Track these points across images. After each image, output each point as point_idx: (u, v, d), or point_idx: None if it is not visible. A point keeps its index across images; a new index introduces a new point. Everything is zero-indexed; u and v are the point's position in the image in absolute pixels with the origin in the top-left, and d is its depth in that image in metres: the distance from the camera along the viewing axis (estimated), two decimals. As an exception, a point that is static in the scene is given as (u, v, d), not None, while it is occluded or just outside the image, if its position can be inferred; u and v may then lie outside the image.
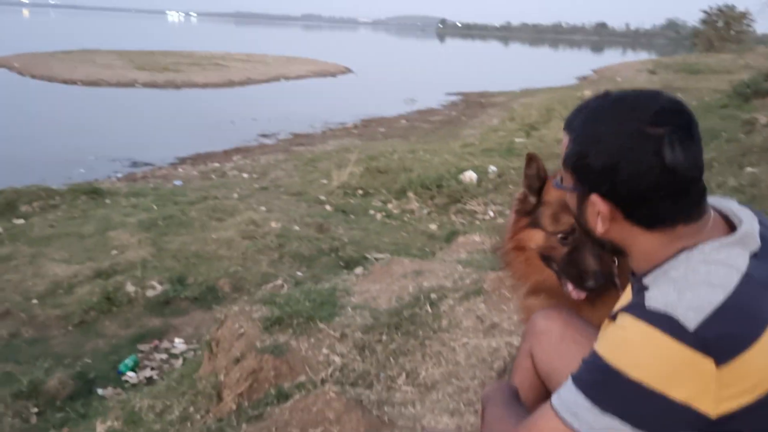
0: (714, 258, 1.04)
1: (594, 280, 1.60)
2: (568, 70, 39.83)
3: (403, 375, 2.49)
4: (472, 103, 23.20)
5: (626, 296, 1.23)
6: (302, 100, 23.60)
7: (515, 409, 1.35)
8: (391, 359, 2.61)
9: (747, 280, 1.00)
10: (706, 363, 0.95)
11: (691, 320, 0.96)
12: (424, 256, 4.93)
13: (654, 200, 1.07)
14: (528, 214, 1.70)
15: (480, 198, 9.28)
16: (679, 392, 0.97)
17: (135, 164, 12.63)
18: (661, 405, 0.98)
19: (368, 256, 6.71)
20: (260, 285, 5.72)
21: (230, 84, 26.32)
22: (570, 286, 1.65)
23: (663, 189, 1.05)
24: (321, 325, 2.82)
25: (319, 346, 2.70)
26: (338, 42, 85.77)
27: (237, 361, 2.66)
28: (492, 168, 10.60)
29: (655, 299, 1.02)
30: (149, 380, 4.33)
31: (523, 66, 48.09)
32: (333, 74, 34.31)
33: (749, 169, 9.30)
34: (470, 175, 10.01)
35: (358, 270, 5.87)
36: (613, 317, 1.11)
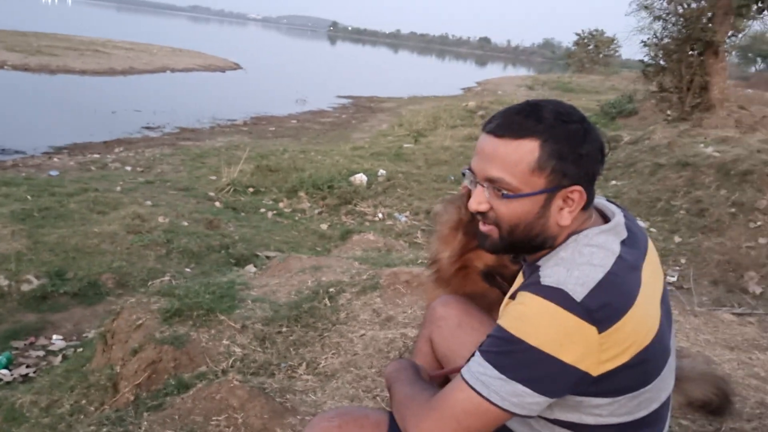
0: (595, 242, 1.23)
1: None
2: (454, 81, 41.33)
3: (304, 365, 2.58)
4: (362, 107, 23.52)
5: (519, 280, 1.41)
6: (189, 94, 22.90)
7: (422, 384, 1.46)
8: (292, 350, 2.69)
9: (620, 261, 1.21)
10: (591, 329, 1.13)
11: (578, 293, 1.14)
12: (317, 252, 5.02)
13: (594, 183, 1.27)
14: (475, 235, 1.79)
15: (370, 200, 9.48)
16: (568, 355, 1.14)
17: (3, 152, 11.73)
18: (555, 367, 1.14)
19: (259, 254, 6.69)
20: (146, 281, 5.57)
21: (111, 72, 24.99)
22: None
23: (599, 173, 1.27)
24: (221, 317, 2.84)
25: (219, 337, 2.73)
26: (227, 37, 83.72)
27: (135, 352, 2.62)
28: (381, 171, 10.86)
29: (548, 277, 1.19)
30: (26, 378, 4.10)
31: (412, 74, 49.24)
32: (222, 69, 33.50)
33: (613, 182, 10.16)
34: (360, 178, 10.20)
35: (249, 268, 5.87)
36: (512, 296, 1.27)
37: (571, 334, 1.14)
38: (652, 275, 1.28)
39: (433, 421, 1.24)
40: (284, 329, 2.84)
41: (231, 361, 2.56)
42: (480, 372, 1.20)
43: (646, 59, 15.30)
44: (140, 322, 2.76)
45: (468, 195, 1.72)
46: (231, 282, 3.29)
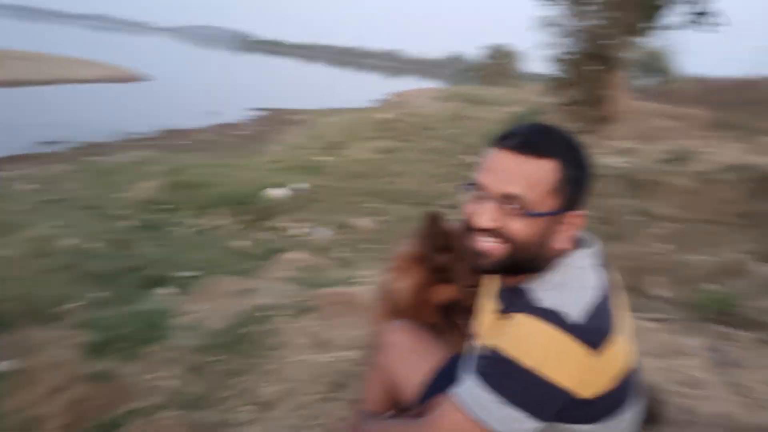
0: (584, 265, 1.26)
1: None
2: (368, 93, 41.61)
3: (242, 394, 2.48)
4: (277, 120, 23.27)
5: (489, 304, 1.40)
6: (92, 107, 21.83)
7: (398, 420, 1.44)
8: (228, 380, 2.58)
9: (605, 285, 1.24)
10: (585, 351, 1.14)
11: (575, 316, 1.17)
12: (242, 273, 4.86)
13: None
14: (438, 270, 1.75)
15: (290, 215, 9.36)
16: (562, 377, 1.15)
17: None
18: (548, 389, 1.15)
19: (178, 274, 6.43)
20: (55, 307, 5.22)
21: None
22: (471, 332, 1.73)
23: None
24: (151, 348, 2.69)
25: (150, 370, 2.58)
26: (132, 47, 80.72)
27: (56, 391, 2.43)
28: (299, 185, 10.76)
29: (544, 300, 1.21)
30: None
31: (325, 86, 49.28)
32: (127, 80, 32.22)
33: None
34: (279, 192, 10.07)
35: (168, 290, 5.62)
36: (504, 318, 1.26)
37: (566, 356, 1.15)
38: (621, 297, 1.32)
39: None
40: (219, 358, 2.72)
41: (164, 394, 2.42)
42: (475, 394, 1.20)
43: (554, 73, 15.97)
44: (61, 358, 2.56)
45: (435, 232, 1.71)
46: (158, 310, 3.13)
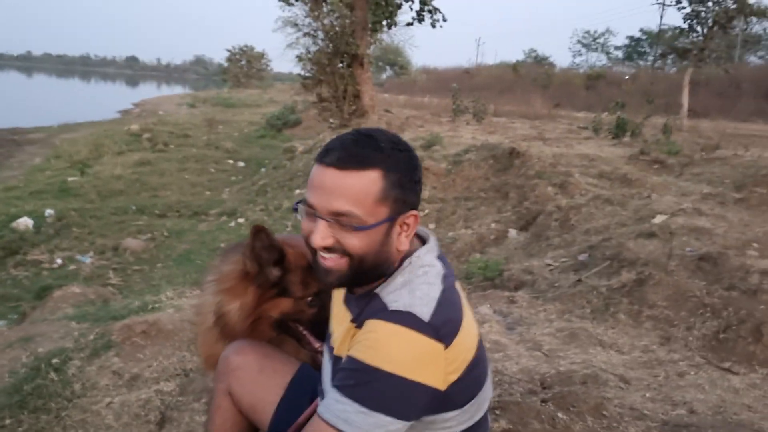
0: (426, 261, 1.31)
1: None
2: (108, 103, 38.51)
3: (51, 455, 2.18)
4: (4, 141, 20.46)
5: (345, 315, 1.40)
6: None
7: None
8: (28, 443, 2.25)
9: (445, 277, 1.30)
10: (439, 347, 1.19)
11: (425, 314, 1.20)
12: (9, 321, 4.21)
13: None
14: (269, 285, 1.68)
15: (42, 245, 8.36)
16: (423, 376, 1.18)
17: None
18: (412, 390, 1.18)
19: None
20: None
21: None
22: (314, 341, 1.70)
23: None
24: None
25: (-76, 453, 2.14)
26: None
27: None
28: (49, 211, 9.67)
29: (394, 302, 1.22)
30: None
31: (56, 99, 44.46)
32: None
33: (298, 191, 10.67)
34: (25, 222, 8.95)
35: None
36: (358, 326, 1.26)
37: (423, 355, 1.18)
38: (458, 285, 1.39)
39: None
40: (8, 421, 2.34)
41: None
42: (339, 410, 1.18)
43: (302, 72, 16.33)
44: None
45: (263, 245, 1.65)
46: None
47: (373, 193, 1.22)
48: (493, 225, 7.42)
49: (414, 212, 1.31)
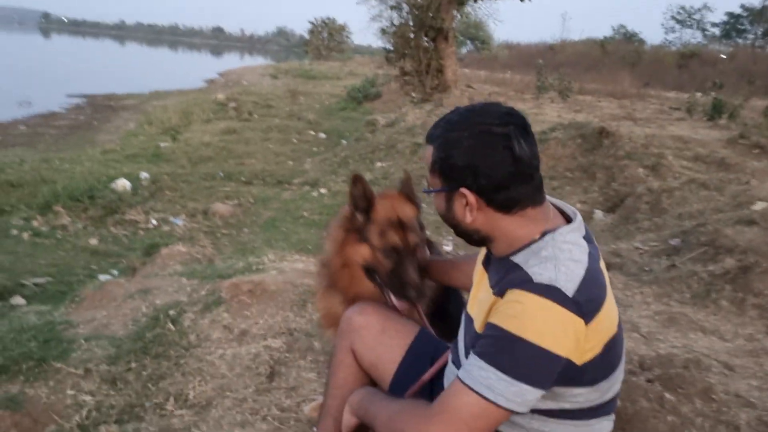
0: (570, 239, 1.33)
1: (415, 291, 1.76)
2: (194, 72, 39.76)
3: (171, 399, 2.34)
4: (101, 107, 21.58)
5: (483, 278, 1.45)
6: None
7: (402, 400, 1.45)
8: (150, 386, 2.42)
9: (590, 256, 1.32)
10: (580, 322, 1.22)
11: (570, 289, 1.23)
12: (122, 271, 4.50)
13: (509, 187, 1.33)
14: (356, 231, 1.82)
15: (138, 206, 8.80)
16: (562, 348, 1.21)
17: None
18: (550, 361, 1.21)
19: (26, 282, 5.85)
20: None
21: None
22: (393, 298, 1.80)
23: (514, 176, 1.33)
24: (57, 365, 2.44)
25: (61, 388, 2.34)
26: None
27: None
28: (144, 174, 10.15)
29: (539, 275, 1.25)
30: None
31: (147, 67, 46.30)
32: None
33: (379, 164, 10.74)
34: (123, 183, 9.43)
35: (17, 300, 5.11)
36: (499, 293, 1.30)
37: (565, 328, 1.22)
38: (603, 265, 1.41)
39: (439, 427, 1.24)
40: (134, 364, 2.53)
41: (84, 413, 2.21)
42: (482, 376, 1.23)
43: (386, 46, 16.34)
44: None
45: (357, 196, 1.80)
46: (49, 322, 2.83)
47: (429, 165, 1.42)
48: (578, 205, 7.26)
49: (464, 190, 1.35)
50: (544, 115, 12.80)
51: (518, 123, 1.35)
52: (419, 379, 1.64)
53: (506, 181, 1.33)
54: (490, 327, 1.28)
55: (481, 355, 1.26)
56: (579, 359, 1.25)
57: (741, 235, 4.83)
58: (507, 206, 1.35)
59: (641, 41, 48.89)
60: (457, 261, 1.93)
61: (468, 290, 1.93)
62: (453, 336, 1.96)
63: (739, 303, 3.34)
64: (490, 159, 1.32)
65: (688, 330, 3.00)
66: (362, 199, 1.82)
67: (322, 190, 9.95)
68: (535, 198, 1.37)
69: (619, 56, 37.88)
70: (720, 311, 3.31)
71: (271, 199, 9.62)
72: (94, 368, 2.47)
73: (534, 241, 1.35)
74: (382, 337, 1.70)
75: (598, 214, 7.17)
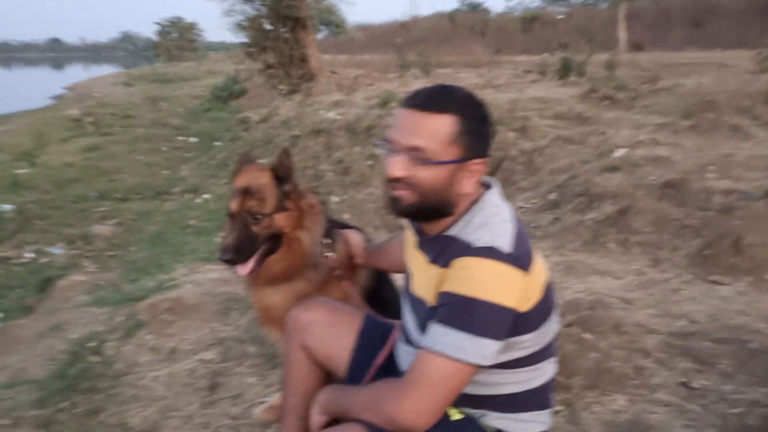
0: (497, 203, 1.47)
1: (223, 252, 1.86)
2: (37, 90, 36.82)
3: (117, 430, 2.27)
4: (-64, 140, 19.52)
5: (420, 259, 1.56)
6: None
7: (368, 386, 1.53)
8: (88, 422, 2.34)
9: (515, 215, 1.46)
10: (519, 274, 1.37)
11: (506, 247, 1.38)
12: (8, 312, 4.16)
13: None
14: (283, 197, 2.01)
15: (7, 242, 8.17)
16: (510, 300, 1.36)
17: None
18: (504, 314, 1.35)
19: None
20: None
21: None
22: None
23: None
24: None
25: (-8, 443, 2.21)
26: None
27: None
28: (6, 206, 9.40)
29: (478, 240, 1.39)
30: None
31: (-19, 90, 42.30)
32: None
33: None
34: (-16, 220, 8.69)
35: None
36: (443, 265, 1.41)
37: (509, 282, 1.36)
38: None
39: (416, 396, 1.34)
40: (64, 404, 2.42)
41: (25, 463, 2.11)
42: (449, 341, 1.34)
43: (244, 40, 16.02)
44: None
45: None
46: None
47: (446, 134, 1.40)
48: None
49: (482, 160, 1.46)
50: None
51: None
52: (373, 363, 1.73)
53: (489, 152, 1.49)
54: (445, 296, 1.39)
55: (442, 322, 1.37)
56: (524, 307, 1.40)
57: (609, 182, 5.31)
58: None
59: (486, 10, 51.17)
60: (384, 245, 2.05)
61: (395, 272, 2.06)
62: (392, 319, 2.08)
63: (623, 243, 3.71)
64: (493, 132, 1.48)
65: (586, 275, 3.31)
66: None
67: (206, 196, 9.69)
68: None
69: (468, 27, 39.44)
70: (609, 253, 3.66)
71: (153, 212, 9.26)
72: (24, 415, 2.35)
73: (464, 213, 1.49)
74: (332, 329, 1.77)
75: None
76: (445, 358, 1.34)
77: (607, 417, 2.01)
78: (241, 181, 1.92)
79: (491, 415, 1.50)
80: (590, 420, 2.01)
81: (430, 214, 1.50)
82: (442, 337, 1.35)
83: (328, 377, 1.80)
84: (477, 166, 1.45)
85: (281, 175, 1.93)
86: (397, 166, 1.43)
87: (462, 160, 1.43)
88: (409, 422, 1.33)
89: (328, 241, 2.04)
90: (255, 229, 1.87)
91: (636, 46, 21.03)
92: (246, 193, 1.88)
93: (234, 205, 1.89)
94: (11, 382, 2.61)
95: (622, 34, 18.96)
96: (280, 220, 1.91)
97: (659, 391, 2.13)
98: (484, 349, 1.34)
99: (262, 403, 2.34)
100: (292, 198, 1.94)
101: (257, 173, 1.95)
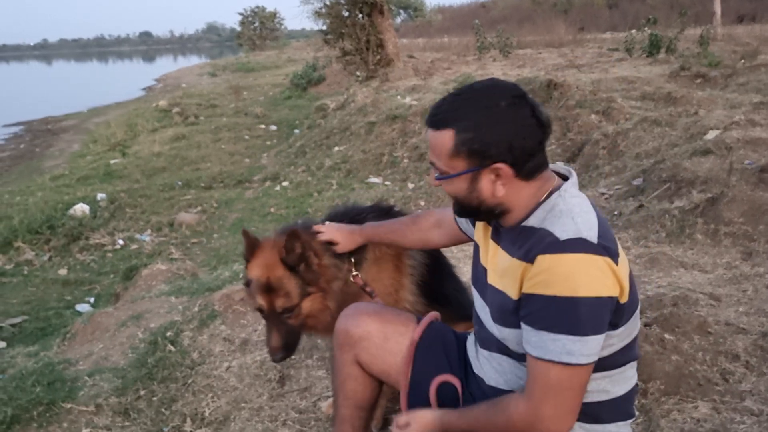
0: (575, 194, 1.40)
1: (273, 354, 1.93)
2: (130, 82, 38.72)
3: (188, 420, 2.34)
4: (40, 132, 20.87)
5: (496, 251, 1.50)
6: None
7: (485, 404, 1.49)
8: (164, 410, 2.42)
9: (594, 205, 1.38)
10: (611, 263, 1.30)
11: (593, 236, 1.31)
12: (98, 298, 4.41)
13: (536, 154, 1.39)
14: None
15: (101, 229, 8.62)
16: (608, 290, 1.30)
17: None
18: (605, 305, 1.30)
19: (1, 324, 5.72)
20: None
21: None
22: None
23: (541, 143, 1.39)
24: (67, 406, 2.41)
25: (76, 428, 2.31)
26: None
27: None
28: (101, 195, 9.92)
29: (563, 231, 1.32)
30: None
31: (80, 83, 44.78)
32: None
33: (337, 149, 10.70)
34: (81, 208, 9.20)
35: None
36: (528, 259, 1.35)
37: (604, 272, 1.29)
38: None
39: (551, 403, 1.33)
40: (142, 392, 2.52)
41: (105, 448, 2.21)
42: (558, 346, 1.30)
43: (323, 27, 16.17)
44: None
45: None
46: (48, 364, 2.77)
47: (447, 149, 1.40)
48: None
49: (499, 165, 1.38)
50: (490, 74, 12.90)
51: (526, 92, 1.42)
52: (438, 368, 1.68)
53: (536, 148, 1.39)
54: (538, 299, 1.33)
55: (546, 329, 1.32)
56: (622, 297, 1.34)
57: (699, 166, 5.00)
58: (531, 173, 1.41)
59: (570, -13, 49.32)
60: (412, 220, 2.00)
61: (428, 247, 2.02)
62: (455, 317, 2.02)
63: (712, 234, 3.47)
64: (524, 130, 1.36)
65: (670, 268, 3.12)
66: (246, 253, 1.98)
67: (285, 183, 9.89)
68: (546, 161, 1.45)
69: (550, 5, 38.27)
70: (696, 245, 3.44)
71: (235, 200, 9.53)
72: (104, 403, 2.45)
73: (542, 202, 1.42)
74: (387, 344, 1.72)
75: (559, 166, 7.31)
76: (560, 365, 1.30)
77: (688, 426, 1.87)
78: (258, 272, 1.91)
79: (576, 426, 1.43)
80: (669, 429, 1.88)
81: (483, 216, 1.51)
82: (552, 344, 1.31)
83: (380, 386, 1.78)
84: (498, 171, 1.38)
85: (292, 263, 1.91)
86: (431, 179, 1.50)
87: (472, 170, 1.40)
88: (552, 429, 1.35)
89: (350, 262, 2.05)
90: (291, 322, 1.92)
91: (739, 18, 19.72)
92: (269, 290, 1.89)
93: (263, 303, 1.90)
94: (95, 369, 2.74)
95: (718, 7, 17.79)
96: (307, 306, 1.94)
97: (748, 399, 1.97)
98: (594, 347, 1.31)
99: (329, 397, 2.33)
100: (309, 279, 1.93)
101: (271, 262, 1.92)
